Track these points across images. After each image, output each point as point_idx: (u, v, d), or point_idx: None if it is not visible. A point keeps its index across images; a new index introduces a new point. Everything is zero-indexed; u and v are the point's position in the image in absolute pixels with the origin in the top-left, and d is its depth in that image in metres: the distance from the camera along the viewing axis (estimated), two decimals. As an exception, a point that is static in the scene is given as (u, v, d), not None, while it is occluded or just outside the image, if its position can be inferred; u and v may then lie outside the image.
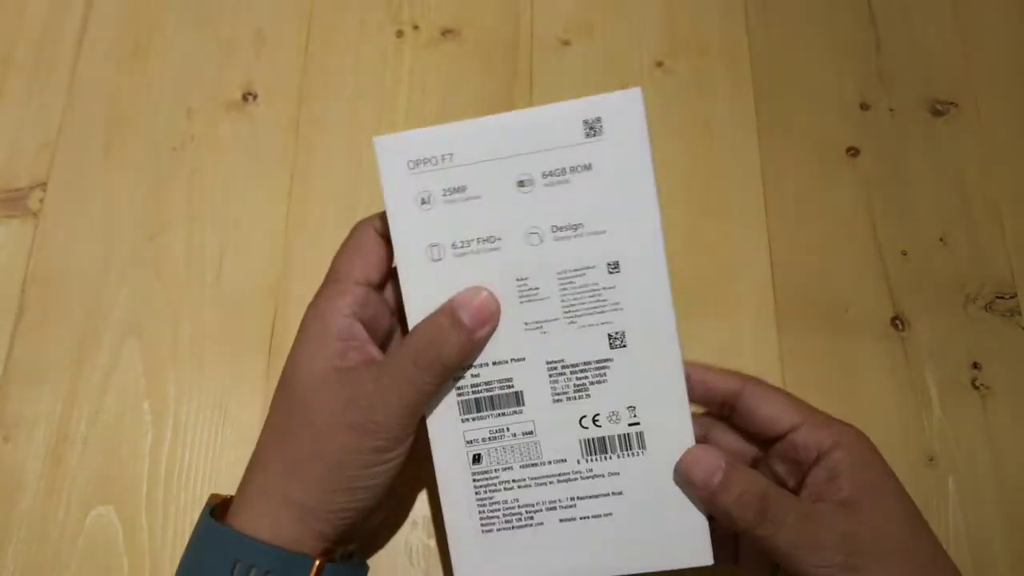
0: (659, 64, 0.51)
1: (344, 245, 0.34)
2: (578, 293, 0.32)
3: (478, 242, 0.32)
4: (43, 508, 0.41)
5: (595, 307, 0.32)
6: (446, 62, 0.51)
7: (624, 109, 0.31)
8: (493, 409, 0.33)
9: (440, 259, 0.32)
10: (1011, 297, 0.47)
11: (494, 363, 0.33)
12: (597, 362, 0.32)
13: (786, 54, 0.53)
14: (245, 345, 0.44)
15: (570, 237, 0.32)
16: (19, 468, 0.42)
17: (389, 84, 0.50)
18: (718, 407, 0.35)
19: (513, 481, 0.33)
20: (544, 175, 0.32)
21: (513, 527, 0.33)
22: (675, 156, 0.49)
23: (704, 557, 0.32)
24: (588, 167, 0.31)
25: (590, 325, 0.32)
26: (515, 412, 0.33)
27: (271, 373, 0.44)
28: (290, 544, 0.32)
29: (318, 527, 0.32)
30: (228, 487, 0.42)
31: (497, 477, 0.33)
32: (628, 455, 0.33)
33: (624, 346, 0.32)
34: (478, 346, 0.32)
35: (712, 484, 0.31)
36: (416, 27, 0.52)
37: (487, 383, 0.33)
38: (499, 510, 0.33)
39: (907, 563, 0.30)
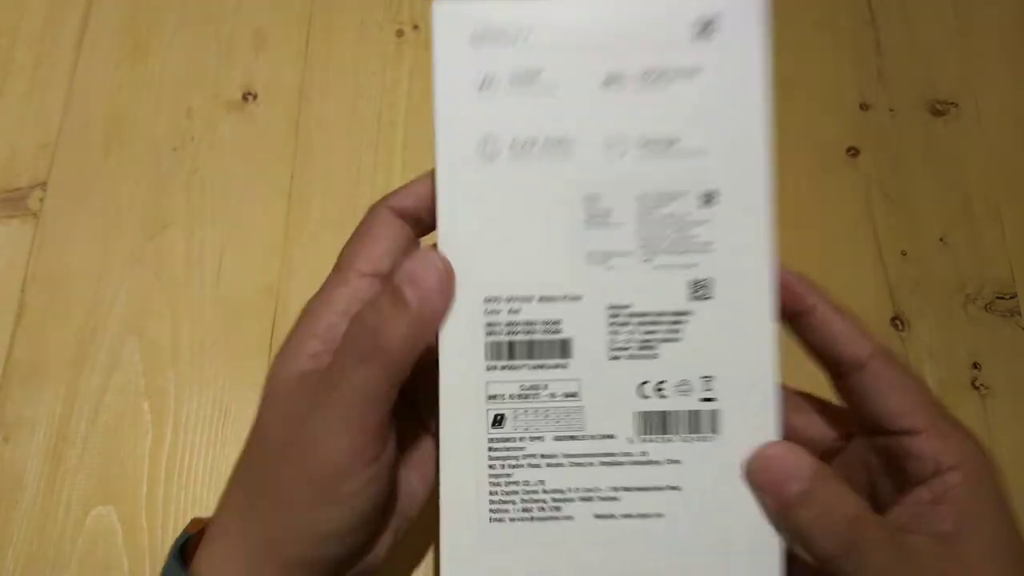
0: (659, 64, 0.51)
1: (355, 230, 0.30)
2: (660, 224, 0.26)
3: (545, 143, 0.26)
4: (43, 508, 0.41)
5: (679, 245, 0.26)
6: (446, 62, 0.51)
7: (745, 8, 0.26)
8: (530, 358, 0.26)
9: (493, 158, 0.26)
10: (1011, 297, 0.47)
11: (541, 298, 0.26)
12: (673, 314, 0.26)
13: (786, 53, 0.53)
14: (245, 345, 0.44)
15: (660, 154, 0.26)
16: (19, 468, 0.42)
17: (389, 84, 0.50)
18: (826, 367, 0.28)
19: (542, 456, 0.26)
20: (639, 74, 0.26)
21: (532, 517, 0.26)
22: (675, 156, 0.49)
23: None
24: (693, 72, 0.26)
25: (670, 266, 0.26)
26: (558, 366, 0.26)
27: (271, 373, 0.44)
28: None
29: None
30: (228, 487, 0.42)
31: (522, 449, 0.26)
32: (695, 439, 0.26)
33: (709, 298, 0.26)
34: (429, 328, 0.26)
35: (787, 494, 0.24)
36: (416, 27, 0.52)
37: (528, 323, 0.26)
38: (517, 493, 0.26)
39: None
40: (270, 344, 0.45)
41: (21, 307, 0.45)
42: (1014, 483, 0.43)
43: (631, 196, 0.26)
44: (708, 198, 0.26)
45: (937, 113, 0.52)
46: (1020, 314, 0.47)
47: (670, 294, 0.26)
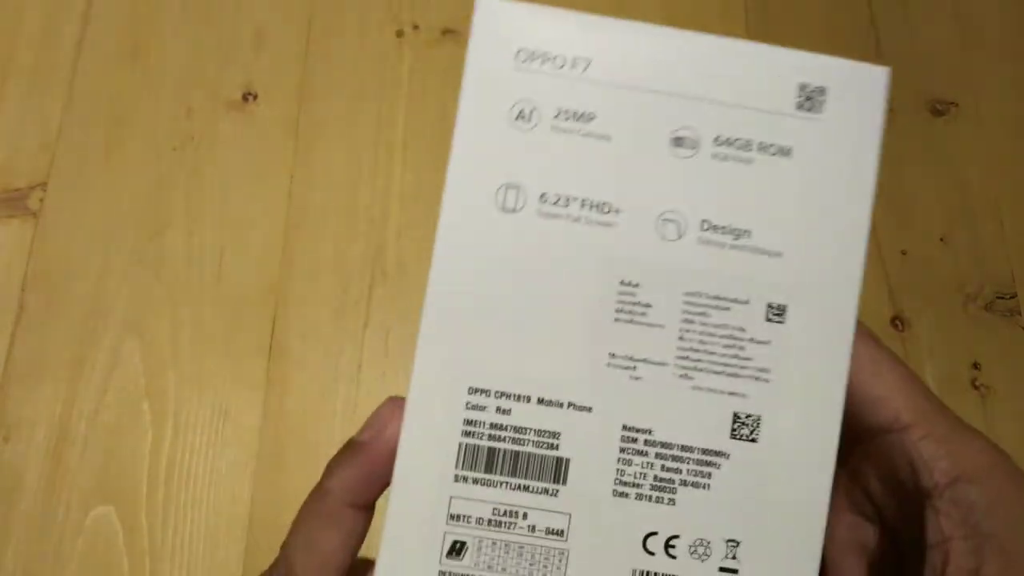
0: (659, 64, 0.51)
1: (297, 521, 0.21)
2: (710, 334, 0.20)
3: (583, 205, 0.20)
4: (43, 508, 0.41)
5: (729, 365, 0.20)
6: (446, 62, 0.51)
7: (863, 87, 0.22)
8: (513, 475, 0.20)
9: (516, 210, 0.20)
10: (1011, 297, 0.47)
11: (540, 400, 0.20)
12: (704, 452, 0.20)
13: (786, 54, 0.53)
14: (245, 345, 0.44)
15: (726, 245, 0.20)
16: (19, 468, 0.42)
17: (389, 84, 0.50)
18: None
19: None
20: (718, 140, 0.21)
21: None
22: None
23: None
24: (786, 152, 0.21)
25: (712, 390, 0.20)
26: (546, 491, 0.20)
27: (271, 373, 0.44)
28: None
29: None
30: (228, 487, 0.42)
31: None
32: None
33: (754, 440, 0.20)
34: None
35: None
36: (416, 27, 0.52)
37: (518, 429, 0.20)
38: None
39: None
40: (270, 344, 0.45)
41: (21, 307, 0.45)
42: (1014, 483, 0.43)
43: (679, 291, 0.20)
44: (776, 313, 0.20)
45: (937, 113, 0.52)
46: (1020, 314, 0.47)
47: (705, 426, 0.20)
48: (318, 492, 0.21)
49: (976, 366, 0.46)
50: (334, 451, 0.40)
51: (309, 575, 0.20)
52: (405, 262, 0.46)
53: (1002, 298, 0.47)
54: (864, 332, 0.21)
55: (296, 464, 0.42)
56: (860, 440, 0.21)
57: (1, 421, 0.42)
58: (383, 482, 0.20)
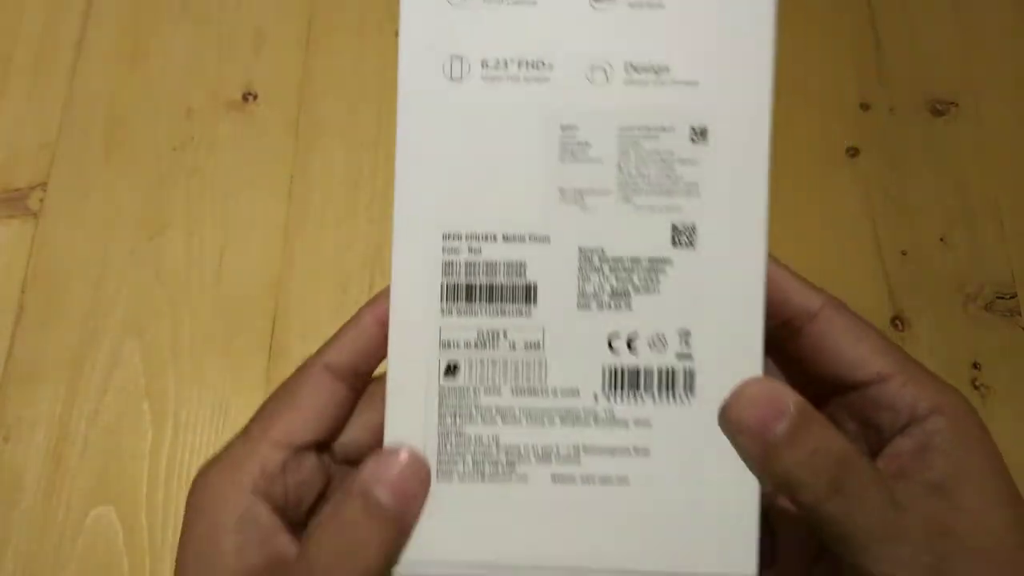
0: (659, 64, 0.51)
1: (280, 387, 0.25)
2: (644, 161, 0.23)
3: (520, 65, 0.23)
4: (43, 508, 0.41)
5: (663, 185, 0.23)
6: (446, 62, 0.51)
7: None
8: (490, 302, 0.24)
9: (462, 78, 0.23)
10: (1011, 297, 0.47)
11: (505, 237, 0.24)
12: (650, 260, 0.24)
13: (786, 53, 0.53)
14: (245, 345, 0.44)
15: (648, 82, 0.23)
16: (19, 468, 0.42)
17: (389, 84, 0.50)
18: (777, 327, 0.25)
19: (497, 411, 0.24)
20: None
21: (483, 476, 0.23)
22: (675, 156, 0.49)
23: (745, 566, 0.23)
24: None
25: (651, 208, 0.23)
26: (520, 313, 0.24)
27: (271, 373, 0.44)
28: None
29: None
30: (228, 487, 0.42)
31: (475, 401, 0.24)
32: (668, 400, 0.24)
33: (691, 245, 0.24)
34: (410, 529, 0.23)
35: (772, 434, 0.22)
36: (416, 27, 0.52)
37: (489, 263, 0.24)
38: (468, 449, 0.24)
39: (1008, 571, 0.22)
40: (270, 344, 0.45)
41: (21, 307, 0.45)
42: (1017, 484, 0.43)
43: (614, 127, 0.23)
44: (699, 134, 0.23)
45: (937, 113, 0.52)
46: (1020, 314, 0.47)
47: (649, 239, 0.24)
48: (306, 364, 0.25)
49: (976, 366, 0.46)
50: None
51: (281, 427, 0.24)
52: (405, 262, 0.46)
53: (1002, 298, 0.47)
54: (839, 305, 0.25)
55: (296, 464, 0.42)
56: (837, 392, 0.24)
57: (1, 421, 0.43)
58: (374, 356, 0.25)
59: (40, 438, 0.42)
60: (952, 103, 0.52)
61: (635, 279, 0.24)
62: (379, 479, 0.22)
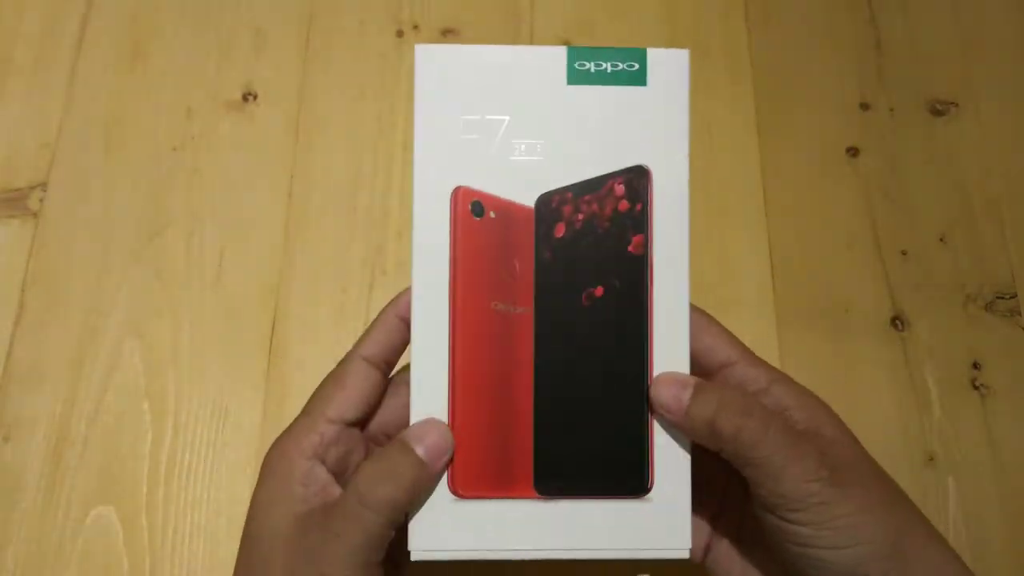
0: (659, 64, 0.51)
1: (328, 377, 0.32)
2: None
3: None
4: (43, 508, 0.41)
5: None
6: (446, 62, 0.51)
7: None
8: None
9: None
10: (1011, 297, 0.47)
11: None
12: None
13: (786, 54, 0.53)
14: (245, 345, 0.44)
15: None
16: (19, 468, 0.42)
17: (389, 84, 0.50)
18: None
19: None
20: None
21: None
22: (675, 156, 0.49)
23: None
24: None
25: None
26: None
27: (271, 373, 0.44)
28: None
29: None
30: (228, 487, 0.42)
31: None
32: None
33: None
34: (435, 480, 0.30)
35: (683, 401, 0.29)
36: (416, 27, 0.52)
37: None
38: None
39: (883, 486, 0.29)
40: (270, 344, 0.45)
41: (21, 307, 0.45)
42: (1014, 482, 0.43)
43: None
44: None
45: (937, 113, 0.52)
46: (1020, 314, 0.47)
47: None
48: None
49: (976, 366, 0.46)
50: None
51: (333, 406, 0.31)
52: (405, 262, 0.46)
53: (1002, 298, 0.47)
54: (698, 311, 0.32)
55: (296, 464, 0.42)
56: (706, 376, 0.32)
57: (1, 421, 0.43)
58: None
59: (40, 438, 0.42)
60: (952, 103, 0.52)
61: None
62: (415, 438, 0.29)
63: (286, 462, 0.30)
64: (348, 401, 0.31)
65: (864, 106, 0.52)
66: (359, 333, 0.33)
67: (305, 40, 0.51)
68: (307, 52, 0.51)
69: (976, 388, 0.45)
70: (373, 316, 0.33)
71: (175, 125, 0.49)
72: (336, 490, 0.30)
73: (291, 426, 0.31)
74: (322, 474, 0.30)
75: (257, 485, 0.31)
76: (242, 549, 0.30)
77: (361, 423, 0.32)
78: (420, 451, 0.29)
